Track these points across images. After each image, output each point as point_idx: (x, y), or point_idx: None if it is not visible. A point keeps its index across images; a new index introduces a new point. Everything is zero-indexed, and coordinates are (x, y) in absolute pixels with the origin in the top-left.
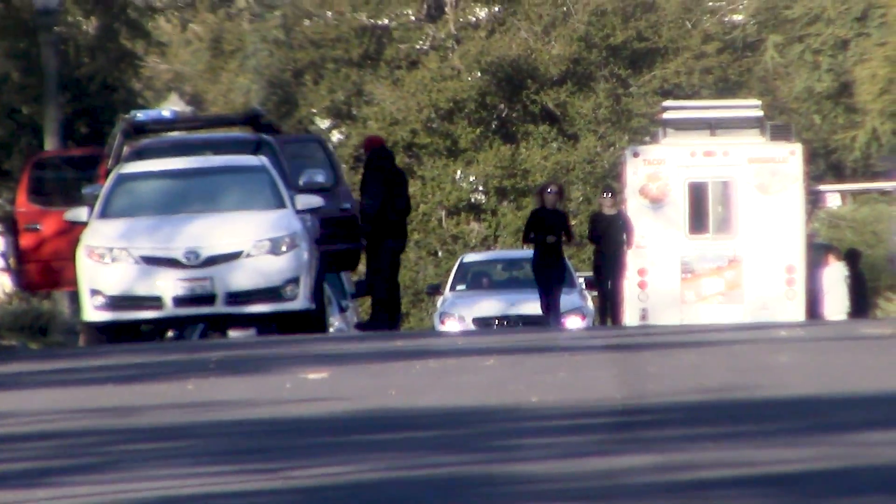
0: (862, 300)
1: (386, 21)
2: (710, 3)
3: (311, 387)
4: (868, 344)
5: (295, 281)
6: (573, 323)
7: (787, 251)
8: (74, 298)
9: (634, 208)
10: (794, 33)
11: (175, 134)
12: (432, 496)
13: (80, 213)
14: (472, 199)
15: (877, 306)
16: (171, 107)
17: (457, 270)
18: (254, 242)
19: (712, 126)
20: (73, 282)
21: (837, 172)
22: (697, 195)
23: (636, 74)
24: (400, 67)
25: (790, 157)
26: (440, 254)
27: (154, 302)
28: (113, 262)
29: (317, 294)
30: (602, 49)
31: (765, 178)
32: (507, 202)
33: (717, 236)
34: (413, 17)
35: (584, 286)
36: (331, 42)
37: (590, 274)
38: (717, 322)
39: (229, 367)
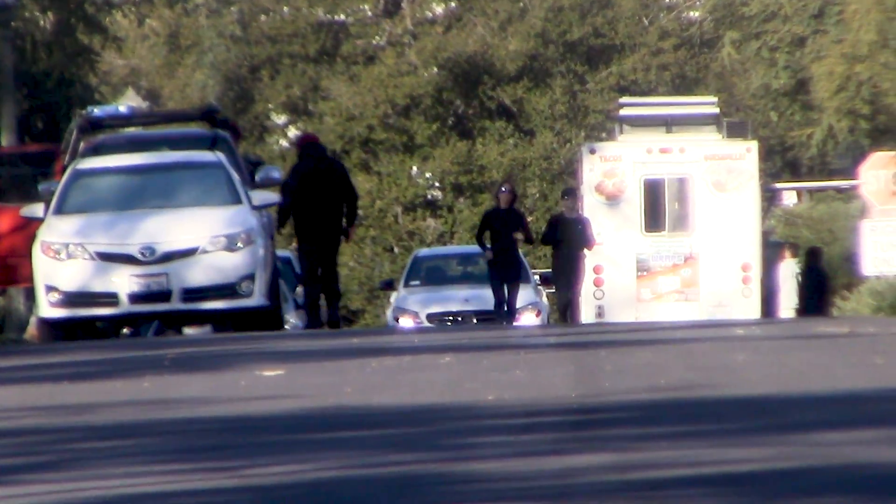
0: (821, 298)
1: (343, 17)
2: (667, 0)
3: (267, 384)
4: (824, 343)
5: (250, 277)
6: (528, 318)
7: (742, 249)
8: (30, 295)
9: (590, 205)
10: (750, 30)
11: (131, 130)
12: (388, 495)
13: (37, 209)
14: (429, 196)
15: (833, 304)
16: (127, 102)
17: (410, 266)
18: (209, 239)
19: (668, 123)
20: (29, 278)
21: (794, 170)
22: (653, 192)
23: (593, 71)
24: (357, 63)
25: (746, 154)
26: (396, 250)
27: (110, 299)
28: (69, 259)
29: (272, 291)
30: (559, 45)
31: (721, 176)
32: (464, 198)
33: (673, 234)
34: (370, 13)
35: (538, 282)
36: (287, 37)
37: (546, 270)
38: (673, 320)
39: (185, 365)
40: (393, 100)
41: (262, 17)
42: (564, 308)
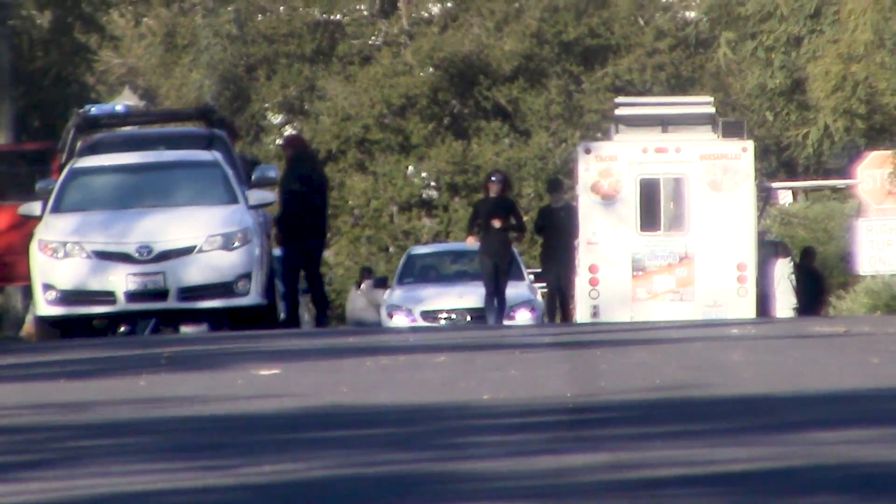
0: (817, 298)
1: (339, 16)
2: (663, 0)
3: (263, 383)
4: (820, 342)
5: (247, 276)
6: (523, 316)
7: (738, 248)
8: (28, 293)
9: (586, 205)
10: (746, 30)
11: (128, 128)
12: (383, 493)
13: (34, 207)
14: (424, 195)
15: (829, 304)
16: (124, 101)
17: (404, 263)
18: (206, 238)
19: (664, 123)
20: (26, 276)
21: (790, 169)
22: (649, 192)
23: (588, 71)
24: (353, 63)
25: (742, 153)
26: (391, 249)
27: (107, 297)
28: (66, 257)
29: (269, 290)
30: (554, 45)
31: (717, 175)
32: (459, 198)
33: (669, 233)
34: (366, 13)
35: (533, 280)
36: (284, 37)
37: (540, 270)
38: (669, 319)
39: (181, 363)
40: (389, 100)
41: (259, 17)
42: (553, 298)
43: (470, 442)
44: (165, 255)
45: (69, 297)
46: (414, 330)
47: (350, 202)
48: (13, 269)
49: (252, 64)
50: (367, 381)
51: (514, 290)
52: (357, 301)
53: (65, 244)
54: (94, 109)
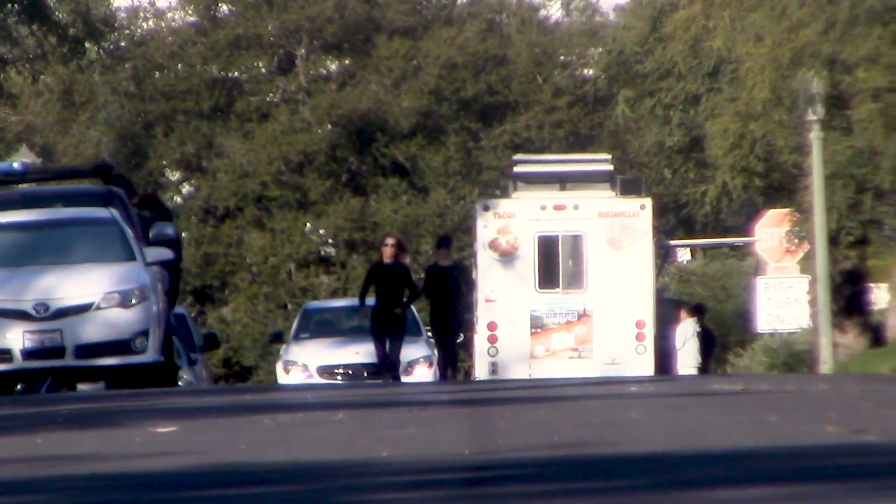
0: (707, 355)
1: (237, 74)
2: (562, 58)
3: (161, 440)
4: (718, 400)
5: (144, 334)
6: (421, 372)
7: (637, 306)
8: None
9: (484, 262)
10: (645, 88)
11: (25, 186)
12: None
13: None
14: (322, 252)
15: (727, 362)
16: (21, 159)
17: (300, 318)
18: (103, 295)
19: (563, 180)
20: None
21: (688, 227)
22: (548, 249)
23: (487, 128)
24: (250, 120)
25: (640, 211)
26: (290, 306)
27: (3, 354)
28: None
29: (166, 347)
30: (453, 102)
31: (615, 233)
32: (357, 255)
33: (568, 291)
34: (264, 70)
35: (430, 335)
36: (181, 94)
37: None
38: (567, 377)
39: (78, 421)
40: (287, 156)
41: (157, 74)
42: (444, 360)
43: (369, 500)
44: (63, 313)
45: None
46: (312, 387)
47: (248, 259)
48: None
49: (150, 121)
50: (266, 438)
51: (411, 347)
52: None
53: None
54: None
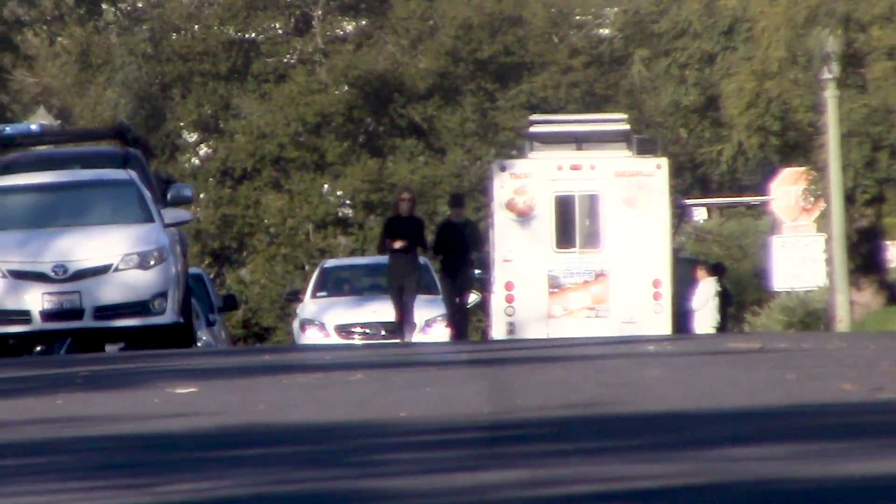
0: (724, 314)
1: (253, 35)
2: (577, 18)
3: (180, 401)
4: (735, 359)
5: (163, 295)
6: (438, 330)
7: (653, 265)
8: None
9: (501, 222)
10: (660, 47)
11: (43, 148)
12: None
13: None
14: (340, 213)
15: (744, 321)
16: (38, 121)
17: (317, 277)
18: (122, 256)
19: (579, 140)
20: None
21: (704, 186)
22: (564, 209)
23: (503, 88)
24: (268, 81)
25: (656, 170)
26: (307, 268)
27: (22, 316)
28: None
29: (185, 308)
30: (469, 63)
31: (631, 192)
32: (375, 216)
33: (584, 250)
34: (280, 31)
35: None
36: (198, 56)
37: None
38: (584, 336)
39: (97, 382)
40: (304, 118)
41: (174, 36)
42: (454, 316)
43: (387, 459)
44: (81, 275)
45: None
46: (330, 347)
47: (265, 220)
48: None
49: (167, 82)
50: (284, 399)
51: (429, 305)
52: None
53: None
54: (8, 129)
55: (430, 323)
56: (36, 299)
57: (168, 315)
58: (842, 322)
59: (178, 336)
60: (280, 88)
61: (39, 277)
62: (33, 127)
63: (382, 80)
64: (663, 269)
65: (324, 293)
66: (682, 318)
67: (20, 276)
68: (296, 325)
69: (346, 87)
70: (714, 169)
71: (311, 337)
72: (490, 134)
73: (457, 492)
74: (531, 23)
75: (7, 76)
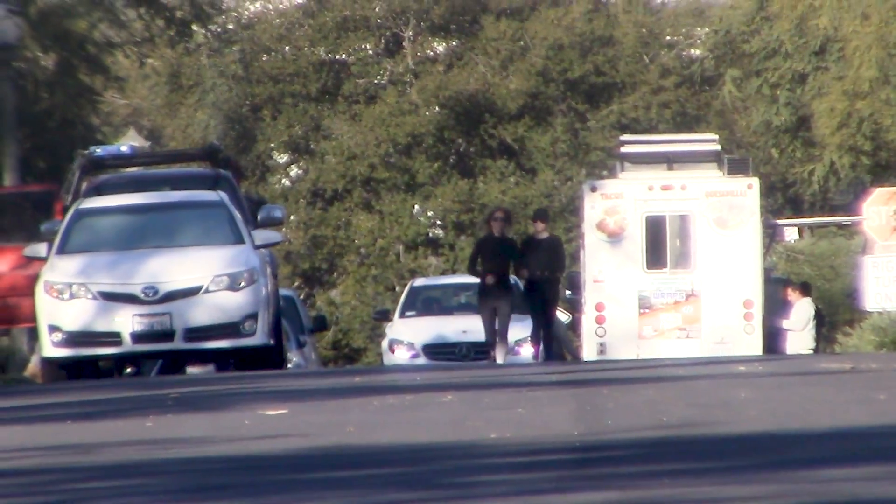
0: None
1: (344, 56)
2: (668, 38)
3: (270, 423)
4: (826, 379)
5: (253, 316)
6: (527, 351)
7: (744, 285)
8: (32, 335)
9: (592, 243)
10: (752, 67)
11: (133, 169)
12: None
13: (40, 248)
14: (430, 234)
15: (835, 341)
16: (129, 142)
17: (407, 295)
18: (212, 278)
19: (670, 160)
20: (31, 318)
21: (795, 206)
22: (655, 229)
23: (594, 109)
24: (358, 102)
25: (748, 190)
26: (397, 288)
27: (113, 338)
28: (71, 298)
29: (275, 329)
30: (560, 83)
31: (722, 212)
32: (465, 236)
33: (675, 271)
34: (371, 52)
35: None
36: (289, 77)
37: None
38: (675, 357)
39: (188, 404)
40: (394, 138)
41: (264, 57)
42: (537, 333)
43: (477, 481)
44: (171, 296)
45: (75, 338)
46: (420, 368)
47: (356, 241)
48: (18, 310)
49: (257, 104)
50: (374, 420)
51: (519, 325)
52: None
53: (70, 285)
54: (99, 150)
55: (521, 343)
56: (126, 321)
57: (258, 337)
58: None
59: (269, 357)
60: (370, 109)
61: (130, 299)
62: (124, 148)
63: (473, 101)
64: (755, 289)
65: (412, 312)
66: (772, 338)
67: (111, 297)
68: (384, 344)
69: (436, 108)
70: (805, 189)
71: (399, 357)
72: (581, 154)
73: None
74: (622, 43)
75: (98, 98)
